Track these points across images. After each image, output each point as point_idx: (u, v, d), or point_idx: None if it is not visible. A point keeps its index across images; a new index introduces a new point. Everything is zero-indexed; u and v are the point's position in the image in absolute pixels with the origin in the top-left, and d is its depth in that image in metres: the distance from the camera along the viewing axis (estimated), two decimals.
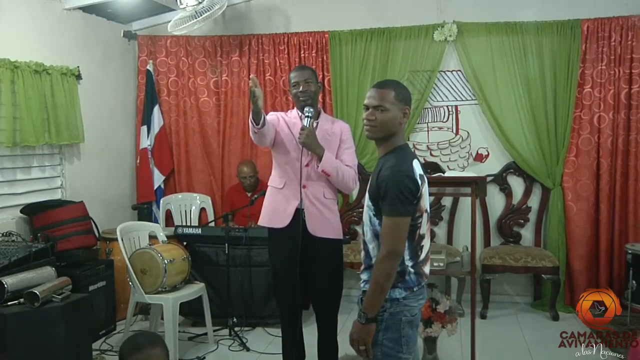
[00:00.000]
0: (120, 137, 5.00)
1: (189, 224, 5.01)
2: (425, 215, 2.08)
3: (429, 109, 4.86)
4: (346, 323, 3.42)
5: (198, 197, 5.14)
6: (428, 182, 2.15)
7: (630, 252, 4.17)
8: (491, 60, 4.62)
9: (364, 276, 2.10)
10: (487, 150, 4.80)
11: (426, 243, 2.11)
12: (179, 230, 4.31)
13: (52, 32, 4.14)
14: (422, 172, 2.08)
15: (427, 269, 2.13)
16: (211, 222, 4.84)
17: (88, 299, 3.29)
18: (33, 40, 3.96)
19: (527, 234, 4.78)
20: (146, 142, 5.00)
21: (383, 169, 2.02)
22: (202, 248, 4.26)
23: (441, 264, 3.43)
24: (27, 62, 3.78)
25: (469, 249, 3.55)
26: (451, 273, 4.04)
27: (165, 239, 4.04)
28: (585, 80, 4.48)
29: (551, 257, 4.42)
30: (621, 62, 4.41)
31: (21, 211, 3.83)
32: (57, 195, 4.24)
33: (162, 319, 3.67)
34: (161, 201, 5.03)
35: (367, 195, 2.10)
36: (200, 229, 4.31)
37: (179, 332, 3.75)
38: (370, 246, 2.08)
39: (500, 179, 4.77)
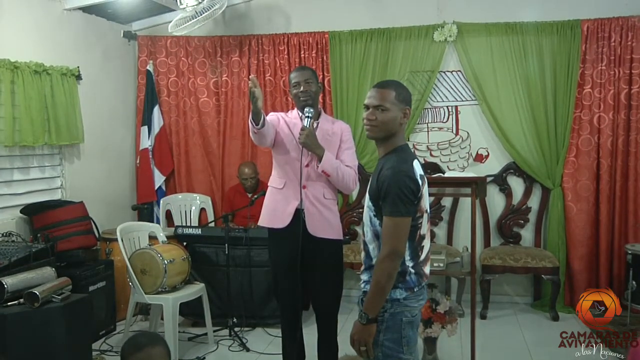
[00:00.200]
0: (120, 137, 5.00)
1: (189, 224, 5.01)
2: (425, 216, 2.08)
3: (429, 110, 4.86)
4: (346, 323, 3.43)
5: (198, 198, 5.14)
6: (428, 183, 2.16)
7: (630, 252, 4.17)
8: (491, 60, 4.62)
9: (364, 277, 2.10)
10: (487, 151, 4.80)
11: (426, 243, 2.11)
12: (179, 231, 4.31)
13: (52, 33, 4.14)
14: (422, 173, 2.08)
15: (427, 270, 2.13)
16: (211, 222, 4.84)
17: (88, 299, 3.28)
18: (33, 41, 3.96)
19: (527, 234, 4.78)
20: (147, 143, 5.00)
21: (383, 169, 2.02)
22: (202, 248, 4.26)
23: (441, 265, 3.43)
24: (27, 63, 3.77)
25: (469, 250, 3.55)
26: (451, 273, 4.04)
27: (165, 239, 4.04)
28: (585, 80, 4.48)
29: (551, 257, 4.42)
30: (621, 63, 4.41)
31: (21, 211, 3.83)
32: (57, 196, 4.23)
33: (162, 319, 3.67)
34: (161, 201, 5.04)
35: (367, 195, 2.10)
36: (200, 230, 4.31)
37: (178, 332, 3.75)
38: (371, 247, 2.08)
39: (500, 180, 4.77)
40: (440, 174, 3.97)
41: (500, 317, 4.47)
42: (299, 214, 2.88)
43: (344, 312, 3.65)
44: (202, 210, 5.13)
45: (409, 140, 4.80)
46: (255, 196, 4.21)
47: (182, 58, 5.13)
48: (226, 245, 4.02)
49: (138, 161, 5.06)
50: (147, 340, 2.04)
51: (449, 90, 4.82)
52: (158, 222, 4.87)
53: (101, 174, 4.70)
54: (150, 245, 3.89)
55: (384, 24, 4.76)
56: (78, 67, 4.27)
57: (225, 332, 4.06)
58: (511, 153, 4.68)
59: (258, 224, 3.13)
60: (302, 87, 2.91)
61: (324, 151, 2.83)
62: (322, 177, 2.89)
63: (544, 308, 4.53)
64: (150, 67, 5.04)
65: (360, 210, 4.62)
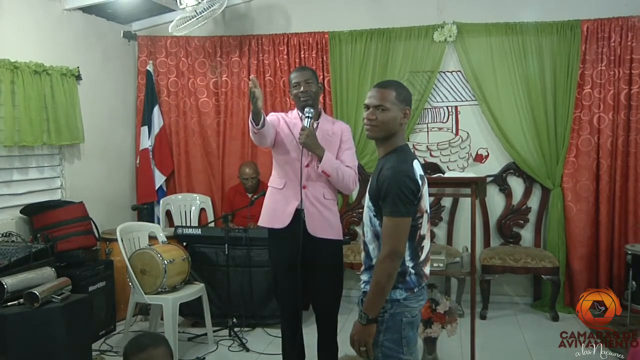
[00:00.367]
0: (120, 137, 5.00)
1: (188, 224, 5.01)
2: (425, 216, 2.08)
3: (428, 110, 4.86)
4: (346, 323, 3.43)
5: (198, 198, 5.14)
6: (428, 183, 2.15)
7: (630, 252, 4.17)
8: (491, 60, 4.62)
9: (364, 277, 2.10)
10: (487, 151, 4.80)
11: (426, 244, 2.11)
12: (179, 231, 4.31)
13: (52, 33, 4.14)
14: (422, 173, 2.08)
15: (427, 270, 2.13)
16: (211, 222, 4.84)
17: (88, 299, 3.29)
18: (33, 41, 3.96)
19: (527, 234, 4.78)
20: (147, 143, 5.00)
21: (383, 170, 2.02)
22: (202, 248, 4.26)
23: (441, 265, 3.43)
24: (27, 63, 3.77)
25: (469, 250, 3.55)
26: (451, 273, 4.04)
27: (165, 240, 4.04)
28: (585, 80, 4.48)
29: (551, 257, 4.42)
30: (621, 63, 4.41)
31: (21, 211, 3.83)
32: (57, 196, 4.23)
33: (162, 319, 3.67)
34: (161, 201, 5.04)
35: (367, 195, 2.09)
36: (200, 230, 4.31)
37: (178, 332, 3.76)
38: (371, 247, 2.08)
39: (500, 180, 4.77)
40: (440, 174, 3.98)
41: (500, 317, 4.47)
42: (299, 214, 2.88)
43: (344, 312, 3.65)
44: (202, 210, 5.13)
45: (408, 141, 4.80)
46: (255, 196, 4.21)
47: (182, 58, 5.13)
48: (226, 245, 4.02)
49: (138, 161, 5.05)
50: (150, 340, 2.04)
51: (448, 91, 4.82)
52: (158, 222, 4.87)
53: (101, 174, 4.69)
54: (150, 245, 3.88)
55: (384, 24, 4.76)
56: (78, 67, 4.27)
57: (225, 332, 4.05)
58: (511, 153, 4.68)
59: (258, 224, 3.13)
60: (302, 88, 2.91)
61: (324, 151, 2.83)
62: (322, 177, 2.89)
63: (543, 308, 4.53)
64: (150, 67, 5.04)
65: (360, 210, 4.62)
